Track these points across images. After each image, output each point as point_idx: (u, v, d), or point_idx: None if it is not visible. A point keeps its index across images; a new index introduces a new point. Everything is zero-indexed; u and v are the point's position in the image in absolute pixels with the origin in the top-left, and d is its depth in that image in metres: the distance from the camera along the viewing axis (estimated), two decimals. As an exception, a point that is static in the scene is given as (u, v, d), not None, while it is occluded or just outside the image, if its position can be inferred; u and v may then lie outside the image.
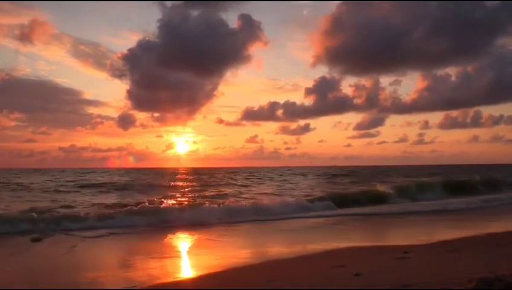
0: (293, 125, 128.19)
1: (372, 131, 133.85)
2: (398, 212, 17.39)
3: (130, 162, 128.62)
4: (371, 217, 16.32)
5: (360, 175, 55.35)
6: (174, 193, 26.72)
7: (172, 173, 73.40)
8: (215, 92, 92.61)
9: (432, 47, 53.82)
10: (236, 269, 7.63)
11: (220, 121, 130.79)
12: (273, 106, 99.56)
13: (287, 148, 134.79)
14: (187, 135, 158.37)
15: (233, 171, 76.63)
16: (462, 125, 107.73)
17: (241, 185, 35.91)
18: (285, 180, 45.35)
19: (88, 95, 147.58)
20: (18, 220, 12.83)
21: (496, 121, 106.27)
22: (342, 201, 19.69)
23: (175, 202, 19.75)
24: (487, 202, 20.93)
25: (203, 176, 55.64)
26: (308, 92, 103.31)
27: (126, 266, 8.26)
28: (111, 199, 22.85)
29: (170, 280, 7.02)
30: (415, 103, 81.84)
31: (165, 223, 14.21)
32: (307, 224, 14.56)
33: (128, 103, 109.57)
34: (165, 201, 19.82)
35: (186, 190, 31.10)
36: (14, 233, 11.96)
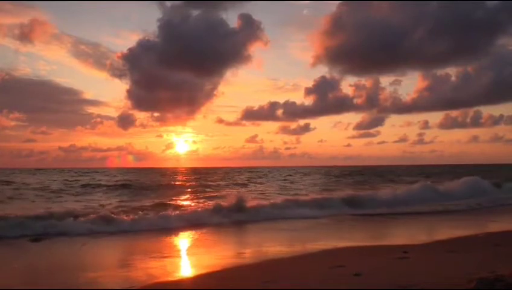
0: (293, 125, 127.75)
1: (372, 131, 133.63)
2: (398, 212, 17.39)
3: (130, 162, 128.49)
4: (371, 217, 16.31)
5: (364, 175, 55.32)
6: (189, 193, 26.21)
7: (176, 173, 73.25)
8: (215, 92, 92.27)
9: (432, 47, 53.62)
10: (235, 268, 7.64)
11: (220, 121, 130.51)
12: (273, 105, 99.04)
13: (287, 148, 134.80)
14: (187, 135, 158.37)
15: (236, 171, 76.43)
16: (462, 125, 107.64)
17: (256, 185, 35.64)
18: (285, 180, 45.34)
19: (88, 94, 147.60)
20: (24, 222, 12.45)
21: (496, 121, 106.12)
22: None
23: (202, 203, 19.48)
24: (487, 202, 20.98)
25: (208, 176, 55.41)
26: (308, 92, 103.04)
27: (126, 266, 8.26)
28: (125, 199, 22.22)
29: (170, 279, 7.04)
30: (415, 102, 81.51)
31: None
32: (307, 224, 14.55)
33: (128, 103, 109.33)
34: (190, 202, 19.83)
35: (200, 189, 30.14)
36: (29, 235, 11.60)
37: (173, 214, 14.84)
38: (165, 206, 17.25)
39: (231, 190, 29.12)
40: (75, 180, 41.95)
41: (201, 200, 21.45)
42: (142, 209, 15.90)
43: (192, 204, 19.13)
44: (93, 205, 18.49)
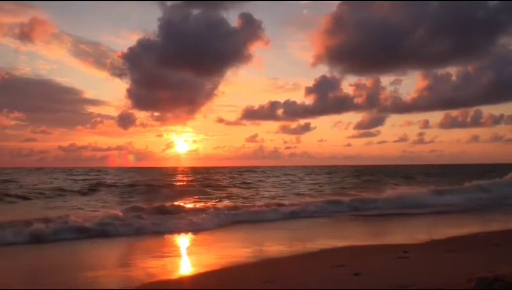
0: (293, 125, 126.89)
1: (372, 130, 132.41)
2: (398, 212, 17.38)
3: (130, 162, 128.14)
4: (371, 217, 16.31)
5: (366, 175, 55.24)
6: (203, 194, 25.60)
7: (178, 173, 72.81)
8: (215, 92, 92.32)
9: (433, 46, 53.56)
10: (235, 268, 7.65)
11: (220, 121, 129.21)
12: (273, 105, 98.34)
13: (287, 148, 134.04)
14: (187, 134, 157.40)
15: (239, 171, 76.01)
16: (462, 124, 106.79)
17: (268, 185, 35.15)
18: (292, 180, 45.25)
19: (88, 94, 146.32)
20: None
21: (496, 120, 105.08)
22: None
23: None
24: (486, 201, 21.14)
25: (212, 176, 55.08)
26: (309, 91, 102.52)
27: (126, 265, 8.28)
28: (137, 200, 21.33)
29: (169, 278, 7.05)
30: (415, 102, 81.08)
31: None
32: (306, 223, 14.56)
33: (128, 102, 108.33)
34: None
35: (212, 190, 28.98)
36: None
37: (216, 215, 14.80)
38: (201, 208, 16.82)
39: (243, 190, 28.99)
40: (80, 179, 41.56)
41: (223, 201, 21.22)
42: (162, 210, 15.30)
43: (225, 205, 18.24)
44: (114, 207, 17.72)
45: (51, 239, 10.96)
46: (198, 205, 18.78)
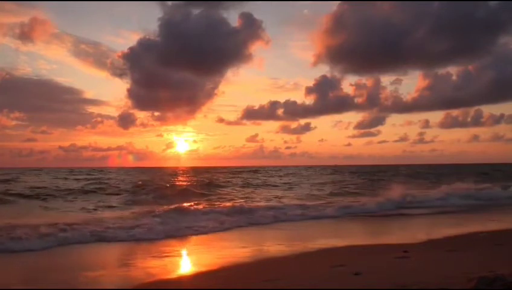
0: (294, 125, 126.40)
1: (372, 130, 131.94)
2: (398, 212, 17.37)
3: (130, 162, 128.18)
4: (371, 217, 16.31)
5: (369, 174, 55.12)
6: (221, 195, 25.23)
7: (180, 173, 72.44)
8: (215, 91, 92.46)
9: (433, 46, 53.51)
10: (235, 267, 7.65)
11: (221, 120, 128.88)
12: (274, 105, 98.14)
13: (287, 148, 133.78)
14: (187, 134, 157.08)
15: (242, 171, 75.81)
16: (463, 124, 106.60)
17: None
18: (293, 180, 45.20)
19: (88, 94, 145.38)
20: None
21: (497, 120, 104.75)
22: None
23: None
24: (486, 201, 21.19)
25: (215, 176, 54.84)
26: (309, 91, 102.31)
27: (127, 265, 8.28)
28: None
29: (169, 277, 7.06)
30: (415, 102, 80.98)
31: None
32: (307, 223, 14.56)
33: (129, 102, 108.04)
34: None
35: (227, 191, 28.42)
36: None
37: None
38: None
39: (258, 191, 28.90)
40: (82, 179, 41.28)
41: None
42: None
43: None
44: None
45: (57, 242, 10.81)
46: (204, 205, 18.54)
